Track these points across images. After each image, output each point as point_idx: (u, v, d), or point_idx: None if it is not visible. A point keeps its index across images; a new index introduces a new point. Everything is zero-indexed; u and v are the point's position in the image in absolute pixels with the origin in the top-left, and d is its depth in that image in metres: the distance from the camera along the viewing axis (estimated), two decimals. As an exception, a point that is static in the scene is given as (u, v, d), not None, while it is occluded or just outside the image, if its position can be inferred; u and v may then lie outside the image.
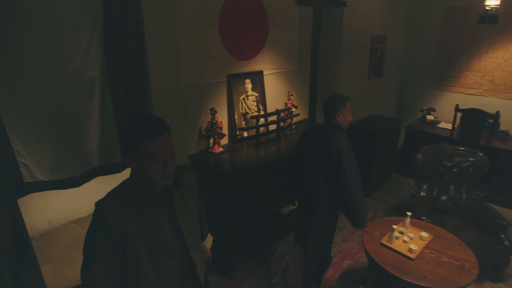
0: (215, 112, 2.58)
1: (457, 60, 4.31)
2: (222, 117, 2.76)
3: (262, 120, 2.89)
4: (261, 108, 3.00)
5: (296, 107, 3.22)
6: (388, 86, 4.68)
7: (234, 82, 2.77)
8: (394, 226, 2.24)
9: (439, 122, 4.48)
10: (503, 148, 3.67)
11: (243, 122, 2.88)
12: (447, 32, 4.32)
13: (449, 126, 4.00)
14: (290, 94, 3.20)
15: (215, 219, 2.46)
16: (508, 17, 3.73)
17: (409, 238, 2.26)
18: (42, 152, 1.85)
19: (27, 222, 1.91)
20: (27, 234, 1.90)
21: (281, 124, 3.01)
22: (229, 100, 2.78)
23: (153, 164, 1.14)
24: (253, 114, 2.83)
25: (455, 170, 3.05)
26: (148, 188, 1.23)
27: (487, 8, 3.01)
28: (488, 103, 4.04)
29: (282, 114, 3.03)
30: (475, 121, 3.63)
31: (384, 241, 2.25)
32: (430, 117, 4.51)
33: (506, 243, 2.58)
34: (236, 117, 2.81)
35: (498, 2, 2.98)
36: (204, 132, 2.63)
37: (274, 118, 2.94)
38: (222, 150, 2.67)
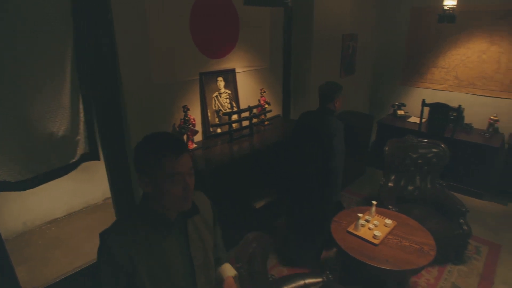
0: (188, 109, 2.64)
1: (424, 57, 4.51)
2: (195, 114, 2.82)
3: (235, 116, 2.96)
4: (234, 105, 3.08)
5: (269, 104, 3.31)
6: (360, 82, 4.84)
7: (207, 80, 2.84)
8: (360, 215, 2.36)
9: (409, 116, 4.67)
10: (467, 140, 3.88)
11: (217, 119, 2.95)
12: (414, 31, 4.52)
13: (418, 120, 4.19)
14: (262, 91, 3.29)
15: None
16: (466, 17, 3.95)
17: (374, 226, 2.39)
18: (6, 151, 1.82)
19: (1, 223, 1.90)
20: (-1, 235, 1.90)
21: (254, 120, 3.09)
22: (202, 98, 2.84)
23: (174, 185, 1.08)
24: (225, 111, 2.90)
25: (420, 161, 3.22)
26: (160, 216, 1.15)
27: (445, 8, 3.19)
28: (453, 98, 4.26)
29: (255, 111, 3.12)
30: (440, 115, 3.83)
31: (351, 229, 2.37)
32: (400, 112, 4.71)
33: (465, 227, 2.75)
34: (209, 114, 2.88)
35: (455, 2, 3.16)
36: (177, 129, 2.69)
37: (247, 114, 3.02)
38: (195, 147, 2.74)
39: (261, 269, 1.65)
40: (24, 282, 2.15)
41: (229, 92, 3.02)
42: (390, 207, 2.81)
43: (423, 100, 3.95)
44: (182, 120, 2.66)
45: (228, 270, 1.42)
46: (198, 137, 2.88)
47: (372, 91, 5.18)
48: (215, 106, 2.93)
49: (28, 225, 3.30)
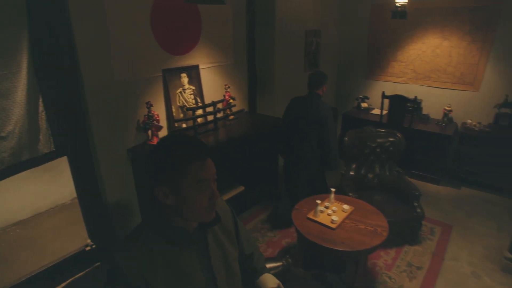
0: (151, 105, 2.67)
1: (385, 52, 4.72)
2: (160, 110, 2.85)
3: (200, 111, 3.02)
4: (199, 100, 3.13)
5: (234, 99, 3.39)
6: (325, 77, 5.00)
7: (170, 76, 2.87)
8: (318, 201, 2.49)
9: (373, 108, 4.89)
10: (424, 129, 4.13)
11: (181, 115, 2.99)
12: (375, 27, 4.72)
13: (380, 112, 4.40)
14: (227, 86, 3.36)
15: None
16: (419, 14, 4.18)
17: (332, 212, 2.52)
18: None
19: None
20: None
21: (218, 115, 3.16)
22: (166, 94, 2.88)
23: (200, 193, 0.99)
24: (189, 107, 2.96)
25: (378, 150, 3.40)
26: (178, 229, 1.04)
27: (397, 5, 3.37)
28: (412, 90, 4.49)
29: (220, 106, 3.18)
30: (399, 106, 4.05)
31: (310, 215, 2.50)
32: (364, 105, 4.92)
33: (418, 210, 2.96)
34: (173, 109, 2.92)
35: (406, 0, 3.35)
36: (141, 125, 2.72)
37: (211, 109, 3.08)
38: (160, 142, 2.77)
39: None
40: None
41: (193, 88, 3.07)
42: (350, 194, 2.97)
43: (383, 93, 4.16)
44: (146, 116, 2.69)
45: (269, 281, 1.33)
46: (163, 133, 2.92)
47: (337, 85, 5.37)
48: (179, 102, 2.98)
49: (-9, 227, 3.23)
